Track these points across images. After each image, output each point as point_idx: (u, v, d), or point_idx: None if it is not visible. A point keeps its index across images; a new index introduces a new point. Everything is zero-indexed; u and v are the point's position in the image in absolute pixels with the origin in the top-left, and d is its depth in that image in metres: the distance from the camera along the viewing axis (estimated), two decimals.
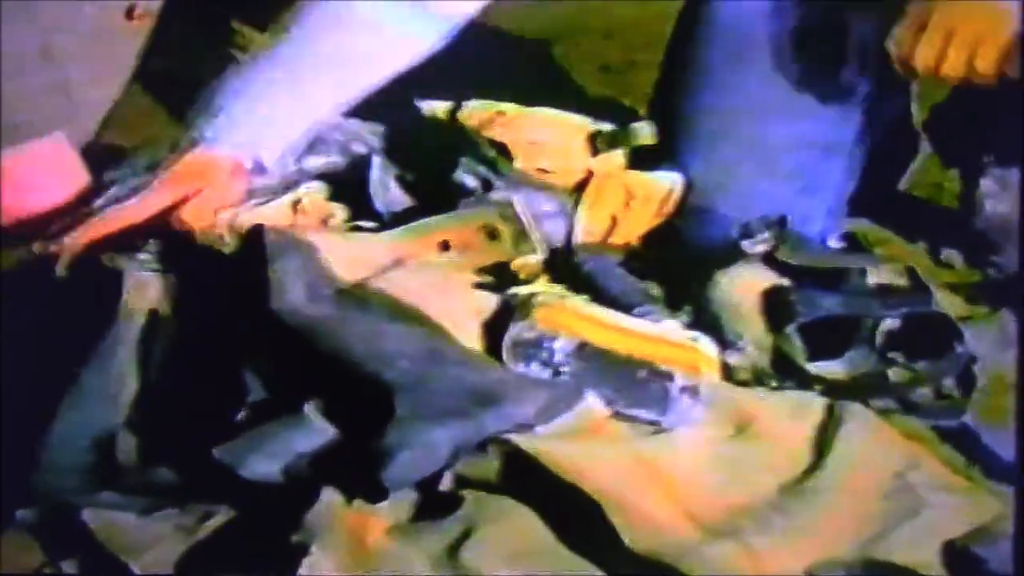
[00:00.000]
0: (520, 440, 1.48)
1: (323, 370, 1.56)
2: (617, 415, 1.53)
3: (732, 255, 1.70)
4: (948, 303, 1.66)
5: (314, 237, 1.66)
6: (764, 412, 1.58)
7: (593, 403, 1.54)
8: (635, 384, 1.54)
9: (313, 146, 1.85)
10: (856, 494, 1.51)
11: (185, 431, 1.58)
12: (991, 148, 1.83)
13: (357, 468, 1.48)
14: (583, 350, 1.55)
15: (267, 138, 1.79)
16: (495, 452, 1.49)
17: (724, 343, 1.62)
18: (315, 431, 1.53)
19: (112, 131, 2.13)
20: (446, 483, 1.48)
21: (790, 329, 1.63)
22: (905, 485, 1.51)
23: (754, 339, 1.64)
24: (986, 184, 1.83)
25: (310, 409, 1.53)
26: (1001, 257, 1.79)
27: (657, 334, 1.59)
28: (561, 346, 1.54)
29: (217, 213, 1.72)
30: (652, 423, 1.54)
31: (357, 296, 1.61)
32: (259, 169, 1.79)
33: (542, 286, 1.65)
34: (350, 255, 1.65)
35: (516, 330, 1.54)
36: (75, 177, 1.82)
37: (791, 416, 1.58)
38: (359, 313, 1.59)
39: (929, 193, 1.98)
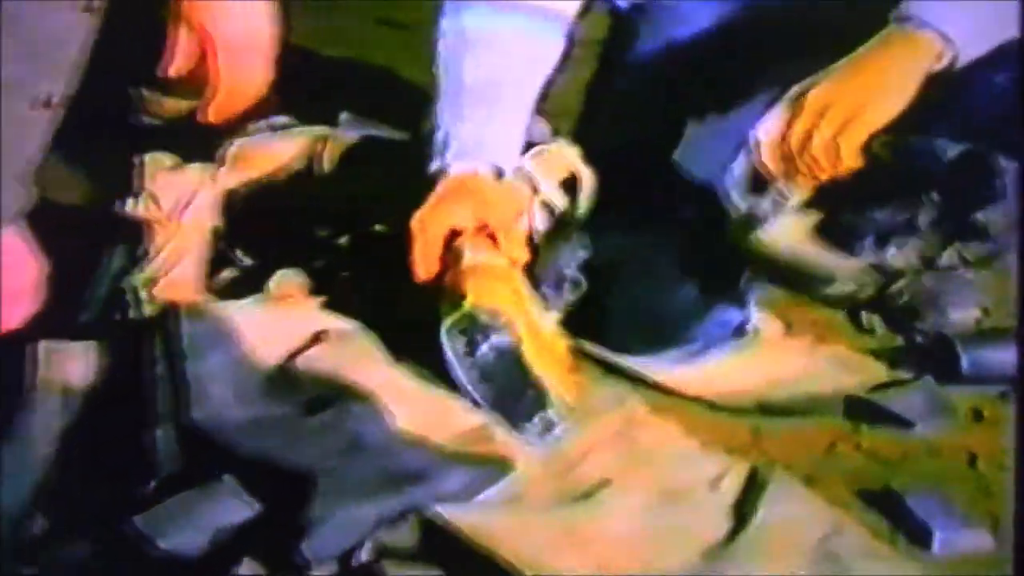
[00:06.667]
0: (438, 511, 1.50)
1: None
2: None
3: None
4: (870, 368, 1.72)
5: (234, 314, 1.67)
6: (683, 478, 1.60)
7: (521, 474, 1.57)
8: None
9: None
10: (779, 560, 1.50)
11: (98, 505, 1.57)
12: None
13: (279, 541, 1.48)
14: None
15: (500, 149, 1.95)
16: (414, 523, 1.50)
17: None
18: (236, 504, 1.52)
19: None
20: (366, 553, 1.48)
21: None
22: (829, 552, 1.51)
23: None
24: (893, 254, 1.86)
25: (229, 481, 1.53)
26: (923, 323, 1.80)
27: None
28: None
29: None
30: None
31: (282, 381, 1.64)
32: (499, 174, 1.93)
33: None
34: (271, 333, 1.68)
35: None
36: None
37: (711, 483, 1.59)
38: (282, 406, 1.62)
39: None
